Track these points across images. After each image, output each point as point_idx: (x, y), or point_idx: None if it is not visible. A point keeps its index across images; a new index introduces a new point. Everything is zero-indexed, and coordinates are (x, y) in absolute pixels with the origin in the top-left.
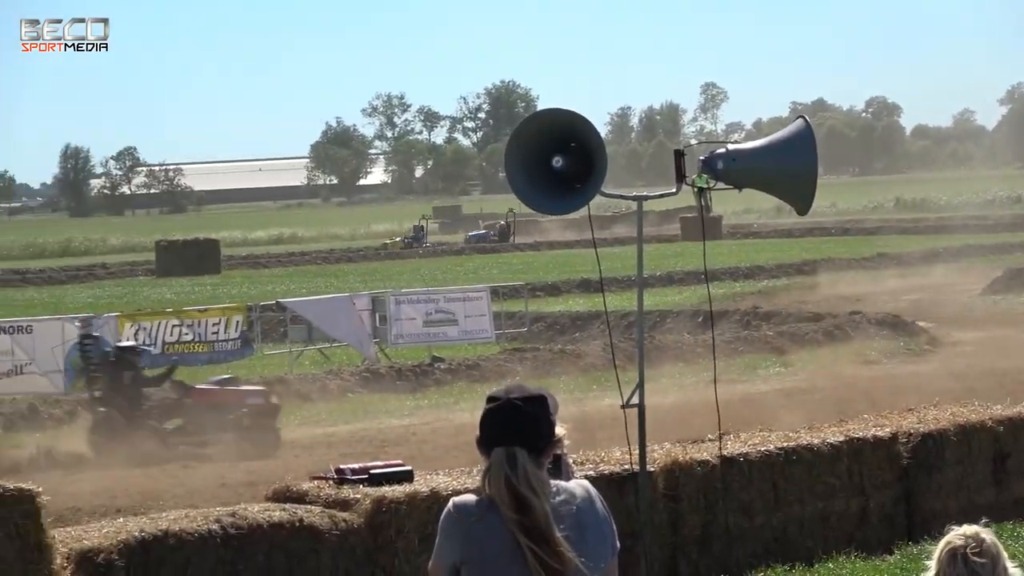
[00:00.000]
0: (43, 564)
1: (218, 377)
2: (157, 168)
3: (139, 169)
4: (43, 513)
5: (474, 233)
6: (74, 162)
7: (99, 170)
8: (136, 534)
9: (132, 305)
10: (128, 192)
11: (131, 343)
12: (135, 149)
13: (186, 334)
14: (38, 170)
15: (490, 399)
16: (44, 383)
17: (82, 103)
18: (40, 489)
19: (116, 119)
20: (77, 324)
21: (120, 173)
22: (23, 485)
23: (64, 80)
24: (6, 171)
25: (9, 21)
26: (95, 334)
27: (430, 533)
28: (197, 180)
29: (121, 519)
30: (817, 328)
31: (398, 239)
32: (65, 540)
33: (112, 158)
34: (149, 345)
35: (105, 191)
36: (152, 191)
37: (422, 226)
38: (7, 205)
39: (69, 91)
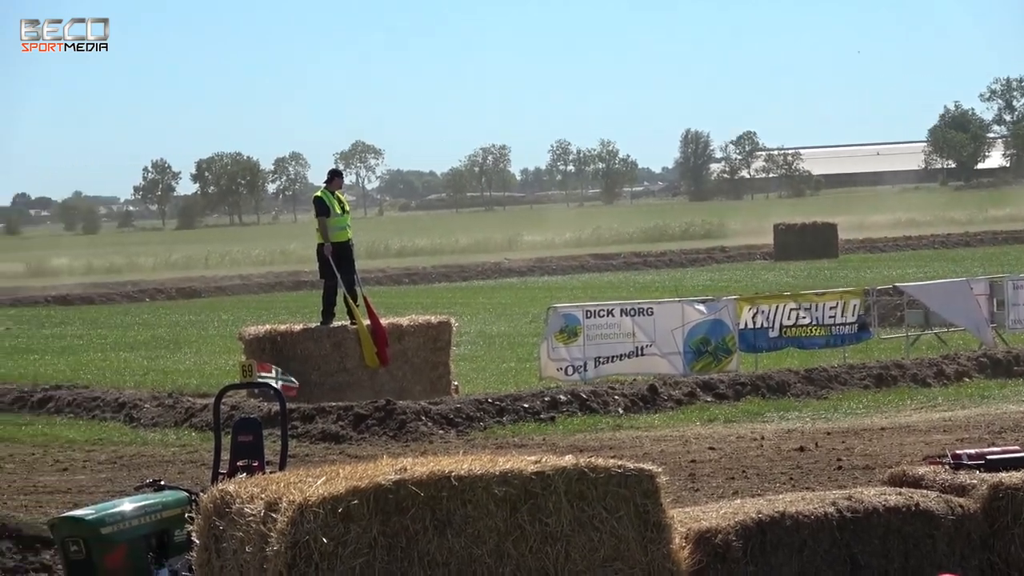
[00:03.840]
0: (662, 543)
1: None
2: (776, 152)
3: (758, 153)
4: (662, 493)
5: None
6: (694, 147)
7: (719, 154)
8: (753, 515)
9: (750, 288)
10: (747, 176)
11: None
12: (755, 134)
13: (803, 317)
14: (660, 155)
15: None
16: (664, 364)
17: (701, 90)
18: (659, 470)
19: (736, 104)
20: (698, 307)
21: (739, 157)
22: (643, 466)
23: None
24: (628, 155)
25: (9, 21)
26: None
27: None
28: (815, 164)
29: (738, 500)
30: None
31: None
32: (683, 520)
33: (732, 143)
34: (766, 327)
35: (724, 175)
36: (770, 175)
37: None
38: (629, 189)
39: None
